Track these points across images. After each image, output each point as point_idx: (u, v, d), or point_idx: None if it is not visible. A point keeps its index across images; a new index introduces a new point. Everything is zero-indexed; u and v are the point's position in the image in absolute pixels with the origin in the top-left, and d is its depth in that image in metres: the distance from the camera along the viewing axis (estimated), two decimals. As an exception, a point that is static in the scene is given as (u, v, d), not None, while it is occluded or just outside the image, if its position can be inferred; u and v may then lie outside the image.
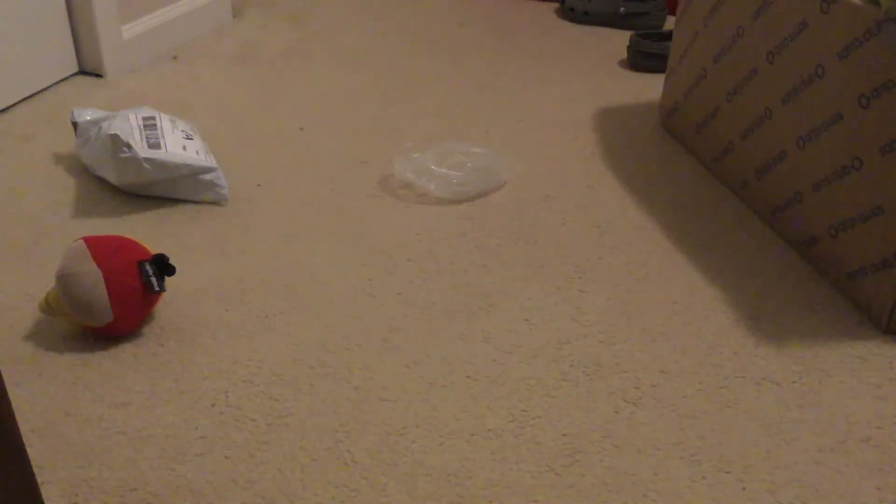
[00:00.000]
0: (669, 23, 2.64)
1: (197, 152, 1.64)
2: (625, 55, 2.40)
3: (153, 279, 1.27)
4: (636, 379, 1.25)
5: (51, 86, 2.10)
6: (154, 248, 1.33)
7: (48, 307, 1.27)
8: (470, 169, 1.72)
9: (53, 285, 1.27)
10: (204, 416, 1.16)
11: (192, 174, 1.62)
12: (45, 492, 1.03)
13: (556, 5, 2.79)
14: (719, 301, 1.41)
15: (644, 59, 2.31)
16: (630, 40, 2.35)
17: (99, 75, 2.16)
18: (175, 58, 2.31)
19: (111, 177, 1.63)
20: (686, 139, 1.90)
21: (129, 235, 1.35)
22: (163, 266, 1.30)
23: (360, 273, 1.47)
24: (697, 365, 1.28)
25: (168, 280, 1.32)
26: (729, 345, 1.32)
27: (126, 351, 1.27)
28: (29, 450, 0.78)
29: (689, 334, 1.34)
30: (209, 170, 1.64)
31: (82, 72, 2.17)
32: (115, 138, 1.57)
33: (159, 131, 1.64)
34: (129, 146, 1.57)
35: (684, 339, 1.33)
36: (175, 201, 1.65)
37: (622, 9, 2.62)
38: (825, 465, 1.11)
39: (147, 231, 1.55)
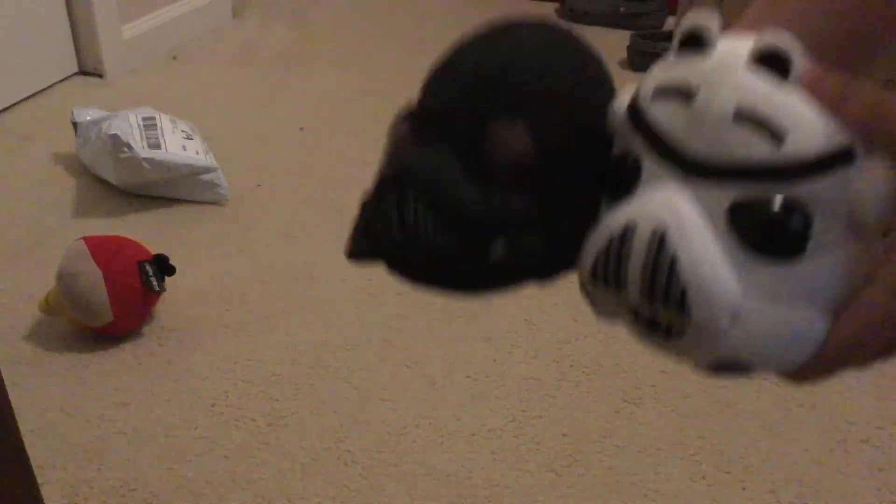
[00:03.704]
0: (669, 23, 2.64)
1: (197, 152, 1.64)
2: (625, 55, 2.40)
3: (153, 279, 1.27)
4: (636, 379, 1.25)
5: (51, 86, 2.10)
6: (154, 248, 1.33)
7: (48, 307, 1.27)
8: (470, 169, 1.72)
9: (53, 285, 1.27)
10: (204, 416, 1.16)
11: (192, 174, 1.62)
12: (45, 492, 1.03)
13: (556, 5, 2.79)
14: (719, 301, 1.41)
15: (644, 59, 2.31)
16: (630, 40, 2.35)
17: (99, 75, 2.16)
18: (175, 58, 2.31)
19: (111, 177, 1.63)
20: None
21: (129, 235, 1.35)
22: (163, 266, 1.30)
23: (360, 273, 1.47)
24: (697, 365, 1.28)
25: (168, 280, 1.32)
26: (729, 345, 1.32)
27: (126, 351, 1.27)
28: (29, 450, 0.77)
29: (689, 334, 1.34)
30: (209, 170, 1.63)
31: (82, 72, 2.17)
32: (115, 138, 1.57)
33: (159, 131, 1.64)
34: (129, 146, 1.56)
35: (684, 339, 1.33)
36: (175, 201, 1.65)
37: (622, 9, 2.62)
38: (825, 465, 1.11)
39: (147, 231, 1.55)
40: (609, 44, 2.50)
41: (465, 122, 0.38)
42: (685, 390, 1.23)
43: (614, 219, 0.36)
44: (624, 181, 0.37)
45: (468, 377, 1.24)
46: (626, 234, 0.35)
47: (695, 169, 0.34)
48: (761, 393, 1.23)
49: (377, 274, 1.47)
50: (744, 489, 1.08)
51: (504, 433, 1.15)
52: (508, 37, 0.40)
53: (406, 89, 2.34)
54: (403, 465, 1.10)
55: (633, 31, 2.40)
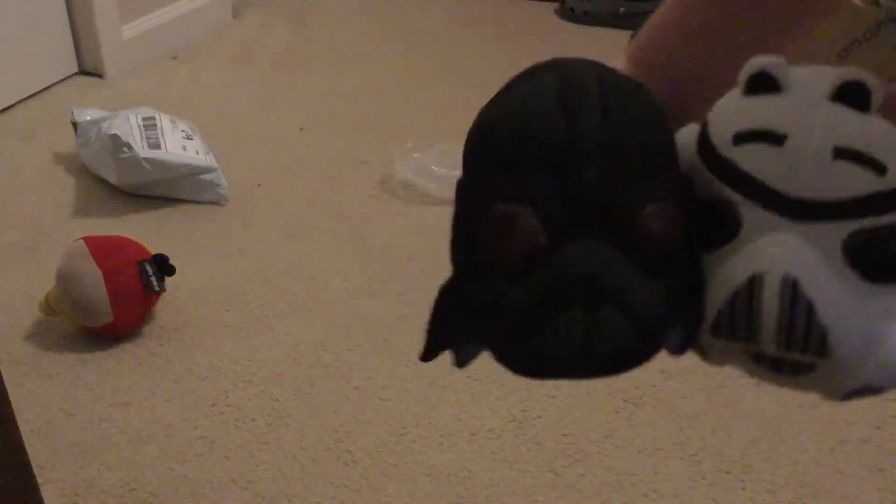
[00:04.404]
0: (669, 23, 2.63)
1: (197, 152, 1.64)
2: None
3: (153, 279, 1.27)
4: (636, 379, 1.25)
5: (51, 86, 2.10)
6: (154, 248, 1.33)
7: (48, 307, 1.27)
8: (470, 169, 1.72)
9: (53, 285, 1.27)
10: (204, 416, 1.16)
11: (192, 174, 1.62)
12: (45, 492, 1.03)
13: (556, 5, 2.79)
14: (719, 301, 1.41)
15: (644, 59, 2.31)
16: (630, 40, 2.35)
17: (99, 75, 2.15)
18: (175, 58, 2.31)
19: (111, 177, 1.63)
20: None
21: (129, 235, 1.35)
22: (163, 266, 1.30)
23: (360, 273, 1.47)
24: (697, 365, 1.27)
25: (168, 280, 1.32)
26: (729, 345, 1.32)
27: (126, 351, 1.27)
28: (29, 450, 0.77)
29: (689, 334, 1.34)
30: (209, 170, 1.63)
31: (82, 72, 2.17)
32: (115, 138, 1.57)
33: (159, 131, 1.64)
34: (129, 146, 1.56)
35: (684, 339, 1.33)
36: (175, 201, 1.65)
37: (622, 9, 2.62)
38: (825, 465, 1.11)
39: (147, 231, 1.55)
40: (609, 44, 2.50)
41: (612, 210, 0.35)
42: (685, 390, 1.23)
43: (734, 272, 0.35)
44: (719, 230, 0.36)
45: (468, 377, 1.24)
46: (754, 286, 0.34)
47: (802, 211, 0.34)
48: (761, 393, 1.23)
49: (377, 274, 1.47)
50: (744, 489, 1.08)
51: (504, 433, 1.15)
52: (593, 98, 0.36)
53: (406, 89, 2.34)
54: (403, 465, 1.10)
55: (633, 31, 2.40)
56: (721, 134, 0.37)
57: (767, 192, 0.35)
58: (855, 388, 0.36)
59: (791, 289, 0.34)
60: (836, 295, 0.33)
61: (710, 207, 0.37)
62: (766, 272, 0.34)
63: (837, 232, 0.34)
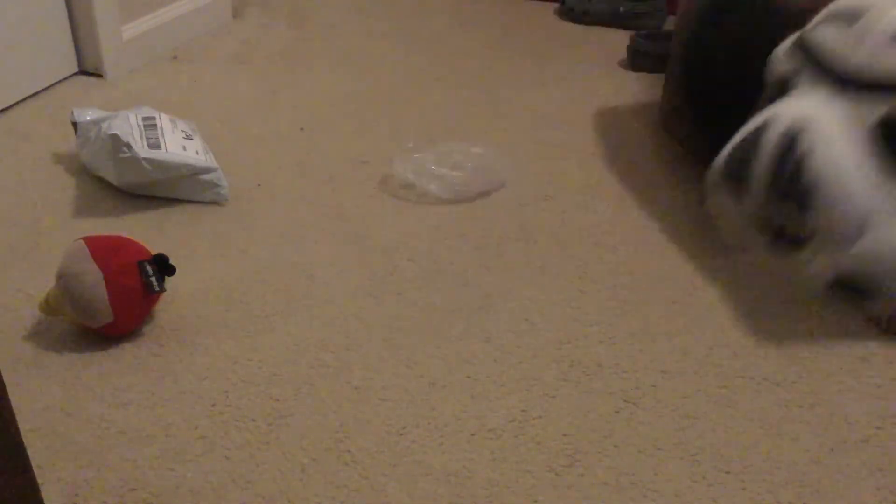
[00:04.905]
0: (669, 23, 2.64)
1: (197, 152, 1.64)
2: (625, 55, 2.40)
3: (153, 279, 1.27)
4: (636, 379, 1.25)
5: (51, 86, 2.10)
6: (154, 248, 1.33)
7: (48, 307, 1.27)
8: (470, 169, 1.72)
9: (53, 285, 1.27)
10: (204, 416, 1.16)
11: (192, 174, 1.62)
12: (45, 492, 1.03)
13: (556, 5, 2.79)
14: (719, 301, 1.41)
15: (644, 59, 2.31)
16: (630, 40, 2.35)
17: (99, 75, 2.16)
18: (175, 58, 2.31)
19: (111, 177, 1.63)
20: (686, 140, 1.90)
21: (129, 235, 1.35)
22: (163, 266, 1.30)
23: (360, 273, 1.47)
24: (697, 365, 1.28)
25: (168, 280, 1.32)
26: (729, 345, 1.32)
27: (126, 351, 1.27)
28: (29, 450, 0.78)
29: (689, 334, 1.34)
30: (209, 170, 1.64)
31: (82, 72, 2.17)
32: (115, 138, 1.57)
33: (159, 131, 1.64)
34: (129, 146, 1.56)
35: (684, 339, 1.33)
36: (175, 201, 1.65)
37: (622, 9, 2.62)
38: (825, 465, 1.12)
39: (147, 231, 1.55)
40: (609, 44, 2.50)
41: None
42: (685, 390, 1.23)
43: (764, 114, 0.35)
44: (784, 90, 0.37)
45: (468, 377, 1.24)
46: (768, 122, 0.34)
47: (849, 82, 0.34)
48: (761, 393, 1.23)
49: (377, 274, 1.47)
50: (744, 489, 1.08)
51: (504, 433, 1.15)
52: None
53: (406, 89, 2.34)
54: (403, 465, 1.10)
55: (633, 31, 2.40)
56: (818, 17, 0.38)
57: (826, 61, 0.35)
58: (842, 273, 0.36)
59: (796, 132, 0.34)
60: (841, 158, 0.33)
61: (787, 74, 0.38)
62: (782, 115, 0.34)
63: (874, 110, 0.34)
